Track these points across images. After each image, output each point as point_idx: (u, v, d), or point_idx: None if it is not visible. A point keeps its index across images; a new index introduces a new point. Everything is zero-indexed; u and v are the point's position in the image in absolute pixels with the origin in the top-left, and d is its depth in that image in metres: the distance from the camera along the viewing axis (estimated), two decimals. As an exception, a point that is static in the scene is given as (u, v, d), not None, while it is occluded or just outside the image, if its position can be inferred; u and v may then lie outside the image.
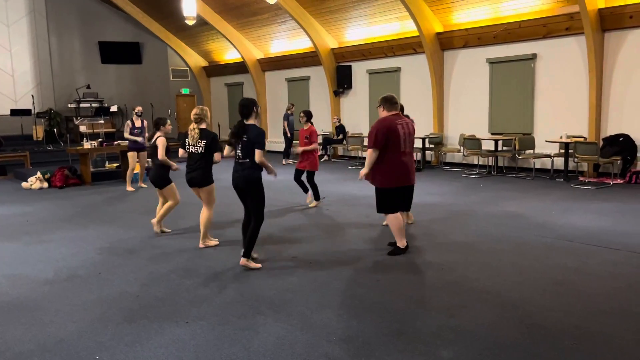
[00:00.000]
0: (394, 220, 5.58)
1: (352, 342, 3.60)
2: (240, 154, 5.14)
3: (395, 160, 5.43)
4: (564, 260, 5.31)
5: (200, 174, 5.91)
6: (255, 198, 5.19)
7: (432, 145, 13.17)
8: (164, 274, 5.19)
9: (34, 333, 3.89)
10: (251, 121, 5.17)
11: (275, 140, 17.88)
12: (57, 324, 4.04)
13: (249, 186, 5.15)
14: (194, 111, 5.91)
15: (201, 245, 6.13)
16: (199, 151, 5.87)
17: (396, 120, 5.48)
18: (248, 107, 5.14)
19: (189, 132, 5.88)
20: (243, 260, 5.27)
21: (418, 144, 12.79)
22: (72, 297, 4.63)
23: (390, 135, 5.37)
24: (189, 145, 5.91)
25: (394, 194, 5.53)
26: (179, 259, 5.69)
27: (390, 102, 5.51)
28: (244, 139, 5.09)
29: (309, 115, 8.45)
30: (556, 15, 10.76)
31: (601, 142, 10.16)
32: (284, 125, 14.88)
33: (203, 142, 5.85)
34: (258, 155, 5.08)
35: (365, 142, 13.99)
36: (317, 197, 8.36)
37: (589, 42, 10.15)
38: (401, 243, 5.65)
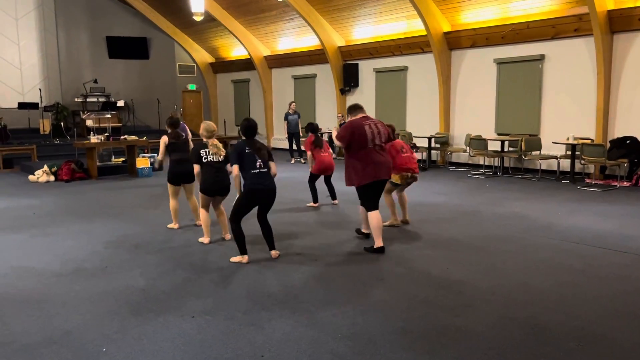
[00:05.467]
0: (374, 219, 5.75)
1: (357, 340, 3.62)
2: (261, 163, 5.28)
3: (365, 159, 5.70)
4: (570, 262, 5.30)
5: (228, 181, 6.03)
6: (272, 205, 5.47)
7: (438, 145, 13.14)
8: (170, 269, 5.21)
9: (40, 325, 3.92)
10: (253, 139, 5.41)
11: (279, 137, 17.89)
12: (64, 316, 4.07)
13: (275, 196, 5.44)
14: (212, 127, 6.06)
15: (228, 237, 6.26)
16: (221, 159, 5.98)
17: (363, 120, 5.82)
18: (256, 128, 5.42)
19: (211, 148, 5.94)
20: (275, 252, 5.57)
21: (424, 143, 12.79)
22: (78, 289, 4.66)
23: (356, 132, 5.69)
24: (207, 155, 5.92)
25: (370, 190, 5.76)
26: (185, 254, 5.72)
27: (352, 109, 5.99)
28: (264, 152, 5.34)
29: (307, 129, 8.62)
30: (565, 16, 10.73)
31: (608, 144, 10.12)
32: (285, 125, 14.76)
33: (223, 151, 6.00)
34: (275, 167, 5.44)
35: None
36: (314, 199, 8.31)
37: (597, 44, 10.11)
38: (378, 242, 5.73)
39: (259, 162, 5.26)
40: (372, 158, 5.72)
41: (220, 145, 5.99)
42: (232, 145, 5.48)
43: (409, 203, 7.22)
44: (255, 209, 5.44)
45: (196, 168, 5.94)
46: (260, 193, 5.30)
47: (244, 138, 5.40)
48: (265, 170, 5.31)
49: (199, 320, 3.96)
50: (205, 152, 5.91)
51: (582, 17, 10.34)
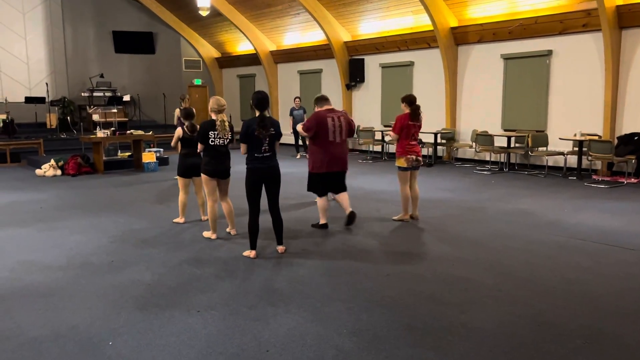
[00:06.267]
0: (320, 202, 6.53)
1: (362, 336, 3.62)
2: (267, 147, 5.23)
3: (323, 150, 6.27)
4: (576, 259, 5.28)
5: (229, 165, 6.08)
6: (279, 186, 5.44)
7: (444, 141, 13.10)
8: (176, 264, 5.22)
9: (47, 318, 3.94)
10: (266, 113, 5.27)
11: (284, 133, 17.86)
12: (71, 310, 4.09)
13: (279, 176, 5.40)
14: (222, 102, 5.93)
15: (234, 232, 6.27)
16: (226, 143, 5.93)
17: (327, 113, 6.32)
18: (268, 100, 5.32)
19: (219, 125, 5.81)
20: (281, 248, 5.56)
21: (430, 139, 12.74)
22: (85, 283, 4.68)
23: (320, 125, 6.22)
24: (215, 137, 5.85)
25: (321, 179, 6.40)
26: (191, 249, 5.73)
27: (318, 100, 6.50)
28: (272, 132, 5.22)
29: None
30: (573, 11, 10.64)
31: (616, 141, 10.06)
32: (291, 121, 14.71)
33: (230, 133, 5.92)
34: (277, 147, 5.40)
35: (377, 136, 14.03)
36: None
37: (605, 39, 10.03)
38: (322, 220, 6.54)
39: (264, 147, 5.22)
40: (329, 150, 6.28)
41: (227, 124, 5.88)
42: (242, 123, 5.37)
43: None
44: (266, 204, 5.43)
45: (200, 147, 5.95)
46: (261, 171, 5.25)
47: (256, 112, 5.24)
48: (269, 154, 5.27)
49: (204, 315, 3.97)
50: (214, 134, 5.85)
51: (591, 12, 10.25)
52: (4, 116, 14.77)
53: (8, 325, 3.83)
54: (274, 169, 5.32)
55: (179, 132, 6.70)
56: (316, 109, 6.43)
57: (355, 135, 14.91)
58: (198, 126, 6.69)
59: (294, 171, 11.59)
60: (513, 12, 11.72)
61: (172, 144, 6.87)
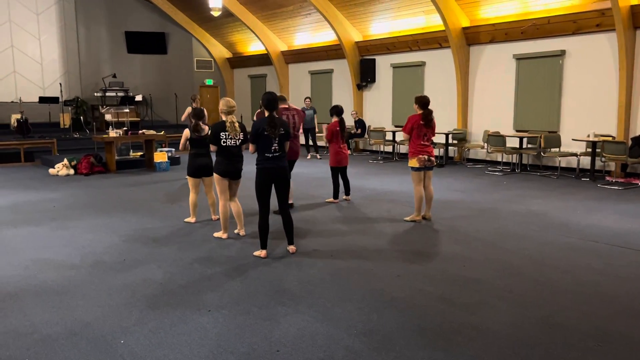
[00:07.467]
0: None
1: (372, 336, 3.62)
2: (277, 147, 5.27)
3: None
4: (588, 260, 5.23)
5: (241, 166, 6.11)
6: (288, 186, 5.50)
7: (455, 141, 13.05)
8: (187, 263, 5.26)
9: (61, 316, 3.99)
10: (275, 113, 5.31)
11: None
12: (84, 308, 4.13)
13: (288, 176, 5.46)
14: (232, 103, 5.94)
15: (243, 233, 6.27)
16: (238, 143, 5.96)
17: (283, 111, 7.01)
18: (277, 101, 5.36)
19: (229, 126, 5.84)
20: (292, 248, 5.57)
21: (441, 139, 12.70)
22: (97, 282, 4.73)
23: None
24: (226, 138, 5.86)
25: None
26: (202, 249, 5.76)
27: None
28: (281, 132, 5.25)
29: (332, 111, 8.33)
30: (587, 11, 10.55)
31: (630, 142, 9.95)
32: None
33: (241, 134, 5.94)
34: (287, 146, 5.46)
35: (388, 137, 14.01)
36: (335, 195, 8.29)
37: (620, 40, 9.93)
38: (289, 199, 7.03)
39: (274, 146, 5.25)
40: None
41: (237, 125, 5.90)
42: (253, 122, 5.41)
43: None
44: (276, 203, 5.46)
45: (212, 147, 5.98)
46: (270, 171, 5.28)
47: (266, 113, 5.29)
48: (279, 154, 5.30)
49: (215, 315, 3.99)
50: (225, 135, 5.86)
51: (605, 12, 10.16)
52: (18, 116, 14.95)
53: (22, 323, 3.88)
54: (284, 170, 5.35)
55: (186, 133, 6.74)
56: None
57: (365, 136, 14.98)
58: (205, 127, 6.74)
59: (304, 171, 11.60)
60: (525, 12, 11.65)
61: (180, 147, 6.90)
